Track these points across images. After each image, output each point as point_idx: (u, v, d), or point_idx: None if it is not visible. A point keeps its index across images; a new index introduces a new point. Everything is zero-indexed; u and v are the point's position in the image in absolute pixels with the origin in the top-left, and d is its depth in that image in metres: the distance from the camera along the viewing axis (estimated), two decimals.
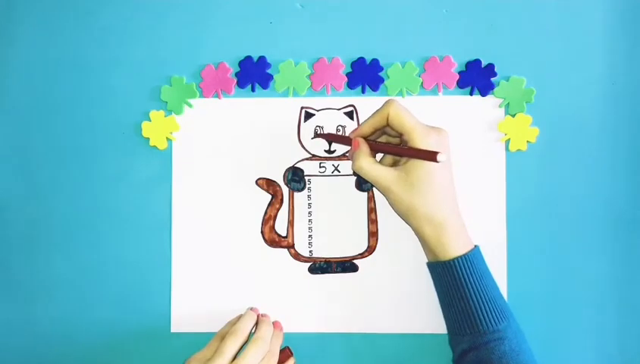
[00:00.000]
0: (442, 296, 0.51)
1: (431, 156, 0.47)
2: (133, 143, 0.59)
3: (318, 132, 0.58)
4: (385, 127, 0.52)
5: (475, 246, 0.51)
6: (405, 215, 0.50)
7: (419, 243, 0.52)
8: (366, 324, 0.58)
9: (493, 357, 0.48)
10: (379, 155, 0.55)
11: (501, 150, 0.57)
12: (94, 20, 0.59)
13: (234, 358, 0.50)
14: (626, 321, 0.57)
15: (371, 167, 0.50)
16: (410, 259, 0.57)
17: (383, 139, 0.55)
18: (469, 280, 0.49)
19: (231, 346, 0.50)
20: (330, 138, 0.58)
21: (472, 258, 0.49)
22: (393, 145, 0.53)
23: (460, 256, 0.49)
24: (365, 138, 0.52)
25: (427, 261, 0.53)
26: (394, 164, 0.53)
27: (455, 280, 0.49)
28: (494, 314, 0.48)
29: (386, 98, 0.57)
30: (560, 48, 0.57)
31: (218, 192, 0.59)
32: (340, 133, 0.58)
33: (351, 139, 0.53)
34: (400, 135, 0.51)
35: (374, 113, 0.51)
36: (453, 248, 0.49)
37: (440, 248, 0.49)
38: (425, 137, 0.48)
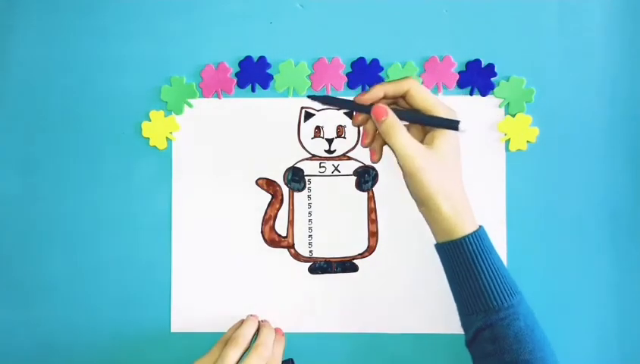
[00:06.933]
0: (452, 277, 0.51)
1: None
2: (133, 143, 0.59)
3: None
4: (393, 99, 0.52)
5: (480, 225, 0.51)
6: (431, 195, 0.49)
7: (425, 228, 0.51)
8: (366, 324, 0.58)
9: (509, 333, 0.47)
10: None
11: (501, 150, 0.57)
12: (94, 19, 0.59)
13: None
14: (626, 321, 0.57)
15: (413, 145, 0.49)
16: (410, 259, 0.57)
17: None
18: (481, 258, 0.49)
19: (233, 353, 0.50)
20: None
21: (482, 235, 0.50)
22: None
23: (471, 234, 0.49)
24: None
25: (435, 243, 0.52)
26: None
27: (466, 258, 0.49)
28: (505, 290, 0.49)
29: None
30: (560, 48, 0.57)
31: (218, 192, 0.59)
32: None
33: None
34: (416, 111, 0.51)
35: (389, 82, 0.52)
36: (466, 226, 0.49)
37: (452, 226, 0.49)
38: (447, 114, 0.51)
